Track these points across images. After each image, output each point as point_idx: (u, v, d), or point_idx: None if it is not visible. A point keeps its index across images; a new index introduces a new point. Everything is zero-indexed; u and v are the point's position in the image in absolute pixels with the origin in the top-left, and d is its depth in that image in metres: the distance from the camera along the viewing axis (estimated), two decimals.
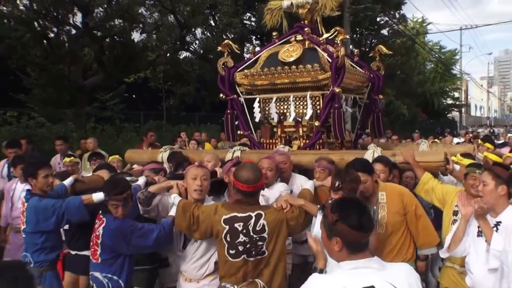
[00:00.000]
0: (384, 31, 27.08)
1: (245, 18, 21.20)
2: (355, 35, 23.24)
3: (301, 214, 3.50)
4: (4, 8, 14.64)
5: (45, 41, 15.33)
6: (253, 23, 21.62)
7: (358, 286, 2.15)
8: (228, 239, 3.35)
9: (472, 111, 60.79)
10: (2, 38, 13.96)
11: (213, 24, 19.22)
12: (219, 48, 5.98)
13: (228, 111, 5.95)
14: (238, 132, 6.01)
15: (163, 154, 5.84)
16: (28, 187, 4.67)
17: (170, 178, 4.51)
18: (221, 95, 5.94)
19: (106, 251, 3.68)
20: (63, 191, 4.57)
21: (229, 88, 5.89)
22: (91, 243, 3.79)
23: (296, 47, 5.71)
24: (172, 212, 3.78)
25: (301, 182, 4.69)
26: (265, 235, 3.34)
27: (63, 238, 4.88)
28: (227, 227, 3.35)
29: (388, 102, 24.23)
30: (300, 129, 5.72)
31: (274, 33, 6.07)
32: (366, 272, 2.20)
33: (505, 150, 6.85)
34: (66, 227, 4.59)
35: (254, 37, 21.45)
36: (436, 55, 38.03)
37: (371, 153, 4.88)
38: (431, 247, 4.14)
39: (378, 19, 25.26)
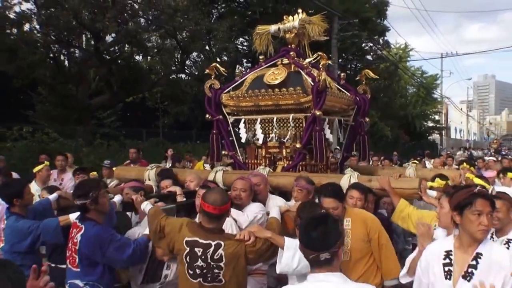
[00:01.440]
0: (369, 56, 27.17)
1: (237, 43, 21.27)
2: (340, 60, 23.26)
3: (262, 247, 3.20)
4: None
5: (53, 62, 15.50)
6: (245, 47, 21.65)
7: None
8: (188, 260, 3.17)
9: (452, 134, 60.55)
10: (15, 59, 14.17)
11: (207, 48, 19.17)
12: (206, 71, 5.73)
13: (214, 131, 5.60)
14: (223, 152, 5.69)
15: (149, 172, 5.51)
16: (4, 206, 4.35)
17: (151, 197, 4.28)
18: (207, 115, 5.62)
19: (84, 258, 3.42)
20: (47, 204, 4.38)
21: (215, 109, 5.54)
22: (69, 252, 3.52)
23: (281, 70, 5.37)
24: (147, 231, 3.60)
25: (277, 202, 4.33)
26: (222, 264, 3.11)
27: (43, 252, 4.58)
28: (188, 248, 3.16)
29: (372, 124, 24.08)
30: (284, 150, 5.36)
31: (261, 57, 5.76)
32: (329, 286, 2.24)
33: (489, 174, 6.58)
34: None
35: (245, 60, 21.47)
36: (418, 79, 37.93)
37: (348, 177, 4.54)
38: (394, 278, 3.67)
39: (363, 45, 25.35)
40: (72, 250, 3.48)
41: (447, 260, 2.71)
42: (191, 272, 3.16)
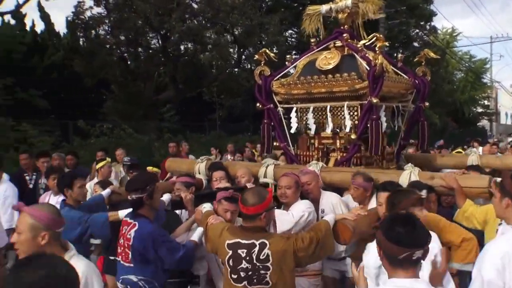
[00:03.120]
0: (415, 43, 25.47)
1: (287, 35, 20.59)
2: (386, 48, 21.93)
3: (311, 245, 2.76)
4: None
5: (122, 61, 16.22)
6: (293, 39, 20.87)
7: None
8: (231, 264, 2.77)
9: (502, 119, 55.69)
10: (91, 61, 14.88)
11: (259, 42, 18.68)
12: (256, 57, 5.09)
13: (265, 121, 4.89)
14: (274, 143, 5.03)
15: (200, 165, 4.99)
16: (62, 198, 4.15)
17: (198, 196, 3.82)
18: (257, 104, 4.93)
19: (137, 255, 3.10)
20: (100, 200, 4.15)
21: (265, 98, 4.83)
22: (120, 248, 3.21)
23: (334, 54, 4.58)
24: (195, 237, 3.32)
25: (331, 200, 3.74)
26: (269, 264, 2.68)
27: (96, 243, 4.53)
28: (230, 252, 2.77)
29: None
30: (338, 141, 4.62)
31: (312, 40, 4.95)
32: None
33: None
34: None
35: (294, 52, 20.81)
36: (466, 64, 35.38)
37: (408, 174, 3.75)
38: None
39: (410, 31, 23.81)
40: (125, 246, 3.16)
41: None
42: (235, 277, 2.76)
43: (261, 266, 2.68)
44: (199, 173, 4.90)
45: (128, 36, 15.51)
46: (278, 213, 3.29)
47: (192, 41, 15.99)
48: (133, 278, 3.13)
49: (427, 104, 5.00)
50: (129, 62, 16.72)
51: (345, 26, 4.84)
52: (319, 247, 2.79)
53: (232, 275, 2.76)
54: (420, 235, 1.92)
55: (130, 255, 3.12)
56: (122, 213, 3.53)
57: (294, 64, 4.93)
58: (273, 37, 16.85)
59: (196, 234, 3.32)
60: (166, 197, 3.85)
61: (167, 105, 18.25)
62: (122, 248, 3.21)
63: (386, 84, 4.42)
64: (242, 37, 16.54)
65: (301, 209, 3.44)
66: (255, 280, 2.70)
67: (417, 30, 24.26)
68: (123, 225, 3.23)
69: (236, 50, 17.70)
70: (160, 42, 16.39)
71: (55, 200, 4.80)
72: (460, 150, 9.04)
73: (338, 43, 4.82)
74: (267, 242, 2.69)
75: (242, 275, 2.72)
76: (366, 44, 4.49)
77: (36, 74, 16.43)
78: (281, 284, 2.71)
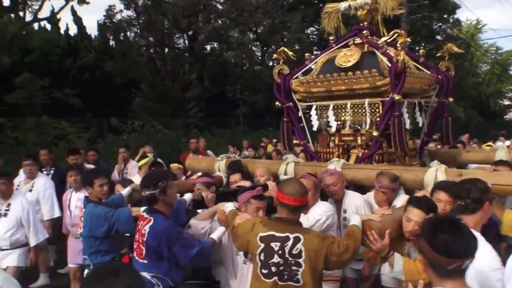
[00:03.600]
0: (438, 37, 24.71)
1: (308, 32, 20.36)
2: (408, 43, 21.31)
3: (346, 253, 2.56)
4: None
5: (151, 61, 16.60)
6: (315, 36, 20.60)
7: None
8: (262, 258, 2.59)
9: None
10: (124, 61, 15.49)
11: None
12: (274, 56, 5.00)
13: (284, 119, 4.77)
14: (294, 141, 4.90)
15: (219, 163, 4.93)
16: (83, 194, 4.26)
17: (220, 194, 3.76)
18: (277, 103, 4.82)
19: (151, 251, 3.03)
20: (120, 200, 4.10)
21: (285, 96, 4.71)
22: (136, 243, 3.15)
23: (354, 51, 4.41)
24: (215, 235, 3.21)
25: (355, 201, 3.56)
26: (301, 261, 2.50)
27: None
28: (262, 245, 2.60)
29: None
30: (359, 138, 4.46)
31: (331, 37, 4.81)
32: None
33: None
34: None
35: (315, 48, 20.55)
36: (492, 56, 34.06)
37: (434, 172, 3.51)
38: None
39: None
40: (140, 242, 3.10)
41: None
42: (265, 272, 2.58)
43: (293, 262, 2.52)
44: (219, 171, 4.85)
45: (156, 37, 15.91)
46: None
47: (218, 41, 16.18)
48: (146, 275, 3.05)
49: (451, 99, 4.78)
50: (156, 62, 17.07)
51: (365, 23, 4.68)
52: (353, 256, 2.65)
53: (263, 270, 2.59)
54: (469, 241, 1.73)
55: (144, 251, 3.05)
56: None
57: (313, 62, 4.79)
58: (295, 35, 16.77)
59: (216, 233, 3.22)
60: (187, 196, 3.80)
61: (191, 102, 18.48)
62: (137, 244, 3.15)
63: (408, 81, 4.25)
64: (265, 36, 16.60)
65: (318, 212, 3.29)
66: (285, 276, 2.53)
67: (440, 24, 23.51)
68: (140, 220, 3.18)
69: (260, 48, 17.87)
70: (186, 42, 16.76)
71: (76, 196, 4.87)
72: (490, 144, 8.69)
73: (358, 40, 4.66)
74: (301, 237, 2.52)
75: (273, 270, 2.56)
76: (388, 41, 4.30)
77: (70, 75, 17.21)
78: (312, 284, 2.53)
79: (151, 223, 3.03)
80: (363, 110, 4.37)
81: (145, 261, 3.05)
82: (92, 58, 18.08)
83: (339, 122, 4.59)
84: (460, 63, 25.39)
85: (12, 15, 14.33)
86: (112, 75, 16.06)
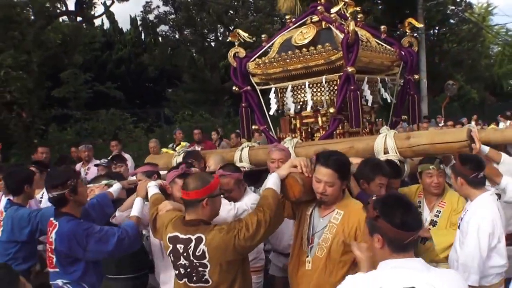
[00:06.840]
0: (451, 20, 24.02)
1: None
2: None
3: (259, 229, 2.39)
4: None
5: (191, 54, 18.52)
6: None
7: (397, 287, 1.72)
8: (172, 259, 2.52)
9: None
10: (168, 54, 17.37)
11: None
12: (229, 39, 4.81)
13: (243, 104, 4.57)
14: (253, 127, 4.65)
15: (177, 158, 4.45)
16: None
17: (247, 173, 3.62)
18: (234, 87, 4.63)
19: (62, 258, 2.80)
20: (104, 199, 3.39)
21: (242, 80, 4.50)
22: (46, 253, 2.94)
23: (310, 29, 4.21)
24: (134, 211, 2.96)
25: None
26: (206, 262, 2.38)
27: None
28: (171, 246, 2.49)
29: (458, 87, 21.42)
30: (320, 119, 4.26)
31: (287, 17, 4.61)
32: (407, 273, 1.75)
33: None
34: None
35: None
36: (503, 38, 33.18)
37: (383, 138, 3.38)
38: None
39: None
40: (49, 251, 2.87)
41: None
42: (177, 273, 2.52)
43: (198, 263, 2.40)
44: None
45: (195, 32, 17.48)
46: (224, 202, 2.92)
47: (254, 34, 16.97)
48: (59, 282, 2.83)
49: (416, 76, 4.51)
50: (194, 55, 18.74)
51: (322, 0, 4.43)
52: (270, 228, 2.46)
53: (175, 271, 2.53)
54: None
55: (54, 260, 2.83)
56: None
57: (270, 44, 4.57)
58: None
59: (135, 209, 2.97)
60: (115, 186, 3.40)
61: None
62: (47, 252, 2.92)
63: (366, 55, 4.06)
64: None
65: (245, 202, 3.11)
66: (194, 278, 2.44)
67: (453, 7, 22.89)
68: (49, 226, 2.90)
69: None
70: (224, 36, 18.07)
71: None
72: (494, 126, 8.37)
73: (315, 18, 4.43)
74: (203, 237, 2.38)
75: (182, 272, 2.47)
76: (338, 12, 4.05)
77: (107, 69, 18.80)
78: (224, 282, 2.42)
79: (56, 228, 2.79)
80: (322, 89, 4.14)
81: (57, 269, 2.85)
82: (126, 52, 19.59)
83: (300, 104, 4.35)
84: (472, 45, 24.71)
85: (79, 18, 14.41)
86: (147, 68, 17.57)
